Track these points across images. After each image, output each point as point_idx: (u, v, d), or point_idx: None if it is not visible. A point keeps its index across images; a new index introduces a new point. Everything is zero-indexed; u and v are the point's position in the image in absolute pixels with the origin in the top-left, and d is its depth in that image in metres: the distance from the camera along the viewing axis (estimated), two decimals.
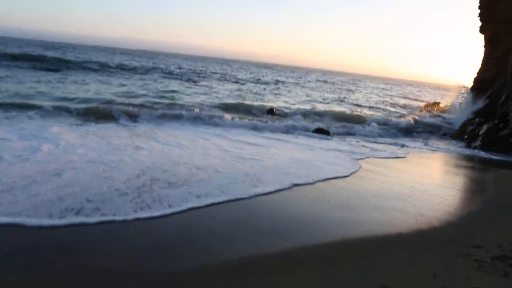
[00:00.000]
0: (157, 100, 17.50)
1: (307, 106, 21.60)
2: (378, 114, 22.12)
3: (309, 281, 3.65)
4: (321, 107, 22.14)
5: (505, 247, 4.57)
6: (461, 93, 22.12)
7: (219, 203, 5.52)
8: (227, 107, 17.38)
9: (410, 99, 39.62)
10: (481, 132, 14.08)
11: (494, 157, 11.92)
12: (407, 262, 4.21)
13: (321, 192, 6.61)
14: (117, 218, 4.72)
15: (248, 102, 20.08)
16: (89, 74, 26.75)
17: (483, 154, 12.39)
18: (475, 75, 20.14)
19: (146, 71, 34.97)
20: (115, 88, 20.54)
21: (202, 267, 3.82)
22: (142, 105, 15.04)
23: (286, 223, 5.07)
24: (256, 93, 26.60)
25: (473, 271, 3.99)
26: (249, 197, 5.87)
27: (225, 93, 24.80)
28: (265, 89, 31.22)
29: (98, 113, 12.05)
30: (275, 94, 27.97)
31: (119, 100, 15.98)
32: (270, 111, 17.85)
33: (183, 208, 5.19)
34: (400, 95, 44.82)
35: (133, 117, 12.17)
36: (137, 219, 4.74)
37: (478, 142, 13.65)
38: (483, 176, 9.58)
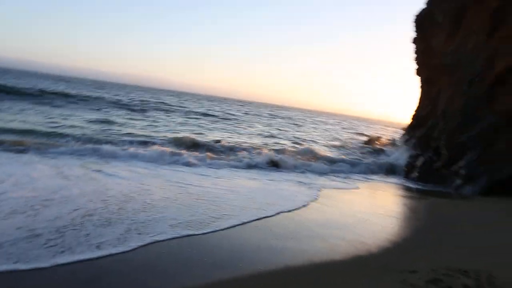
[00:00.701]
0: (101, 132, 16.75)
1: (257, 140, 21.85)
2: (328, 149, 22.79)
3: None
4: (272, 141, 22.49)
5: (438, 271, 4.72)
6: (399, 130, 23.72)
7: (164, 240, 5.22)
8: (176, 141, 17.02)
9: (356, 133, 41.44)
10: (418, 164, 15.00)
11: (428, 187, 12.66)
12: None
13: (277, 224, 6.57)
14: (20, 266, 4.03)
15: (196, 136, 19.86)
16: (25, 100, 25.01)
17: (419, 185, 13.12)
18: (414, 112, 21.72)
19: (93, 99, 33.68)
20: (54, 118, 19.41)
21: None
22: (84, 135, 14.37)
23: (234, 255, 4.98)
24: (203, 127, 26.46)
25: None
26: (203, 234, 5.62)
27: (174, 125, 24.49)
28: (214, 122, 31.26)
29: (30, 144, 11.21)
30: (224, 128, 28.04)
31: (56, 130, 15.12)
32: (217, 143, 17.79)
33: (121, 249, 4.73)
34: (349, 130, 46.74)
35: (70, 148, 11.50)
36: (56, 266, 4.16)
37: (416, 174, 14.50)
38: (418, 205, 10.07)
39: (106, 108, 28.75)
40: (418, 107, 21.45)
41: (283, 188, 9.92)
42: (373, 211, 8.53)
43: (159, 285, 3.98)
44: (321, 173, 13.75)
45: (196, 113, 37.31)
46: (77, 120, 19.55)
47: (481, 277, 4.60)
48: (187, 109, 40.56)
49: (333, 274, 4.59)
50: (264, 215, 6.87)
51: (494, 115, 12.73)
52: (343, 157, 18.95)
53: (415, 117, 21.28)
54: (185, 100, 64.89)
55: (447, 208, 9.60)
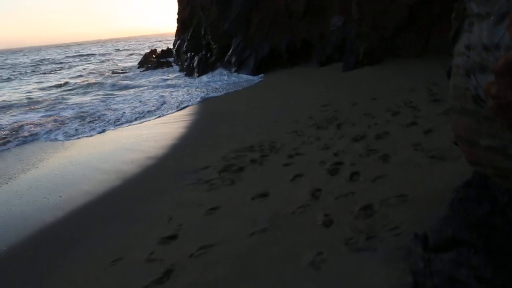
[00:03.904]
0: None
1: None
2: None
3: None
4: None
5: (227, 157, 4.61)
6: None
7: None
8: None
9: (135, 54, 38.74)
10: (195, 64, 15.05)
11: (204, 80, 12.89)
12: (142, 210, 3.65)
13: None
14: None
15: None
16: None
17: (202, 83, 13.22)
18: (177, 16, 21.02)
19: None
20: None
21: None
22: None
23: None
24: None
25: (205, 192, 3.78)
26: None
27: None
28: None
29: None
30: None
31: None
32: None
33: None
34: (126, 53, 43.27)
35: None
36: None
37: (196, 74, 14.60)
38: (199, 105, 10.06)
39: None
40: (180, 9, 20.90)
41: None
42: (157, 124, 7.97)
43: None
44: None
45: None
46: None
47: (264, 146, 4.72)
48: None
49: (118, 198, 3.92)
50: None
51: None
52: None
53: (180, 20, 20.79)
54: None
55: (220, 99, 9.84)
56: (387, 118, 4.89)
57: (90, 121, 8.65)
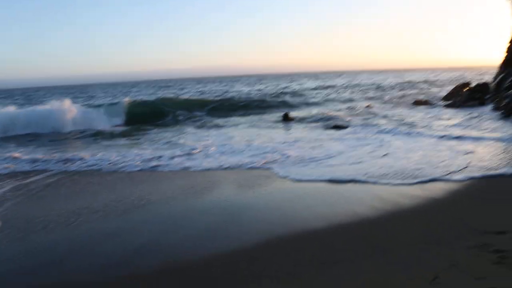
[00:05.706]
0: None
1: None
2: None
3: None
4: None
5: None
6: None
7: None
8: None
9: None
10: None
11: None
12: (403, 263, 3.20)
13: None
14: None
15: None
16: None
17: None
18: (508, 44, 18.17)
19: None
20: None
21: None
22: None
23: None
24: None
25: (491, 265, 2.90)
26: None
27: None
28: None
29: None
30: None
31: None
32: (286, 117, 16.79)
33: None
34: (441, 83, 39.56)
35: None
36: None
37: None
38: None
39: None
40: None
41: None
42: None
43: None
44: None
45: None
46: None
47: None
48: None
49: (381, 246, 3.57)
50: None
51: None
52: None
53: (510, 49, 17.81)
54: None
55: None
56: None
57: None
